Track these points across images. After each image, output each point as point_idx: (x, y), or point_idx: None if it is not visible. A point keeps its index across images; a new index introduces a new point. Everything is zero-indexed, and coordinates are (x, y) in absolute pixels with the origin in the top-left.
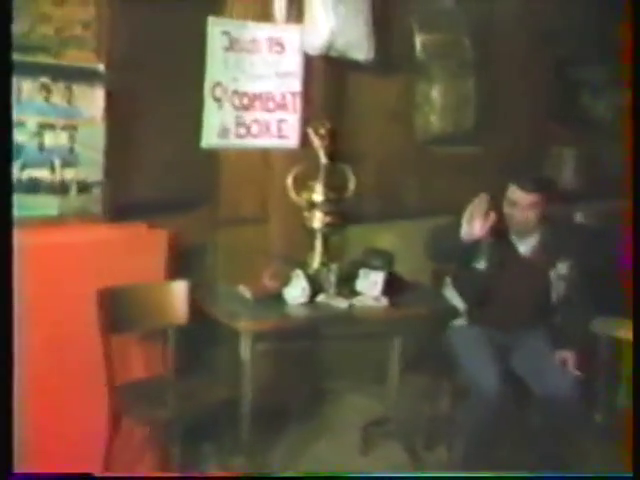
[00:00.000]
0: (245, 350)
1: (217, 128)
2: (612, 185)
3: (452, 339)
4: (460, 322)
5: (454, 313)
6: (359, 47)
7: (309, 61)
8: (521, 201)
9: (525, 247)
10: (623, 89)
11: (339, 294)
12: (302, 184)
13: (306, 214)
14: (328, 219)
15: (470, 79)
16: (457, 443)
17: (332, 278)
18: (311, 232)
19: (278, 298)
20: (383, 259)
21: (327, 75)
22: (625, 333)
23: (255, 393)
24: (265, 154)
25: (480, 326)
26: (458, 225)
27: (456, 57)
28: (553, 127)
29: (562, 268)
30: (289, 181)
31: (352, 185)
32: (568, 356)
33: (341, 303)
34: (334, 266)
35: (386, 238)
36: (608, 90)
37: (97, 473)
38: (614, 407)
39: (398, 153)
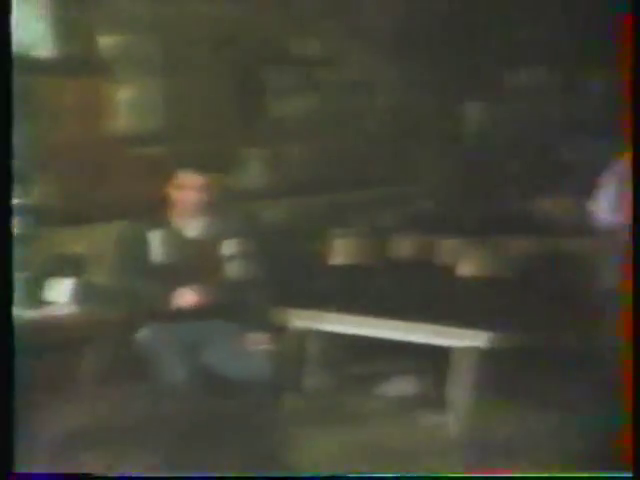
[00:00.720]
0: None
1: None
2: (299, 184)
3: (143, 342)
4: (150, 324)
5: (146, 315)
6: (41, 46)
7: None
8: (193, 183)
9: (193, 231)
10: (310, 91)
11: (28, 304)
12: None
13: None
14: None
15: (157, 80)
16: (158, 445)
17: (20, 288)
18: None
19: None
20: (72, 265)
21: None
22: (310, 324)
23: None
24: None
25: (169, 324)
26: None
27: (141, 58)
28: (240, 128)
29: (229, 247)
30: None
31: (35, 190)
32: (257, 337)
33: (31, 313)
34: (22, 275)
35: (76, 243)
36: (295, 93)
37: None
38: (301, 390)
39: (86, 154)
